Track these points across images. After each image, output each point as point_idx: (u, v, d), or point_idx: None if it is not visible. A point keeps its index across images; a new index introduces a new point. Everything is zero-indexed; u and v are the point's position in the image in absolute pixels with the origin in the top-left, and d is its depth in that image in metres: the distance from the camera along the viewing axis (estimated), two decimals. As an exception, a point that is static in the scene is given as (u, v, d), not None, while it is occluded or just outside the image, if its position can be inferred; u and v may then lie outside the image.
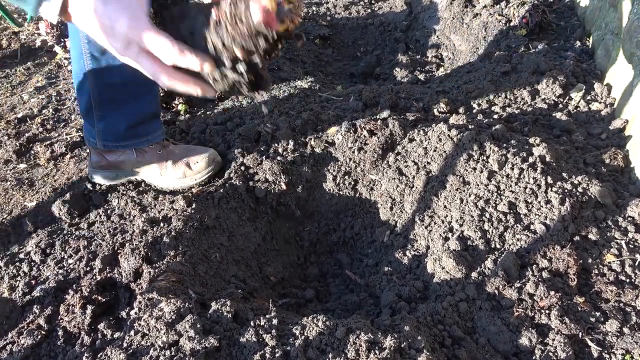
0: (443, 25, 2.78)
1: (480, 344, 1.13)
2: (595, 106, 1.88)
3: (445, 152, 1.60)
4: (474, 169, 1.52)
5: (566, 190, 1.39)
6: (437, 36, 2.78)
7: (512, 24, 2.41)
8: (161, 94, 2.05)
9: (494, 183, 1.47)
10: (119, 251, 1.40)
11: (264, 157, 1.73)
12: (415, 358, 1.02)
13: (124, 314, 1.25)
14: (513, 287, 1.21)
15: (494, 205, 1.41)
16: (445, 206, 1.50)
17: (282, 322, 1.12)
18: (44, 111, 2.22)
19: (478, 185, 1.48)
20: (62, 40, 2.68)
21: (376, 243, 1.63)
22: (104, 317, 1.25)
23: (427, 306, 1.21)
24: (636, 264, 1.25)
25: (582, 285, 1.24)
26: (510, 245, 1.32)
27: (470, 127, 1.67)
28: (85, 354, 1.15)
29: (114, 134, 1.61)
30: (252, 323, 1.10)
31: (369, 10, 3.25)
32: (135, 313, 1.20)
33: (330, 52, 2.89)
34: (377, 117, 1.85)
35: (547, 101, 1.96)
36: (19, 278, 1.39)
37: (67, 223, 1.58)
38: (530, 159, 1.48)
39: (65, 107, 2.24)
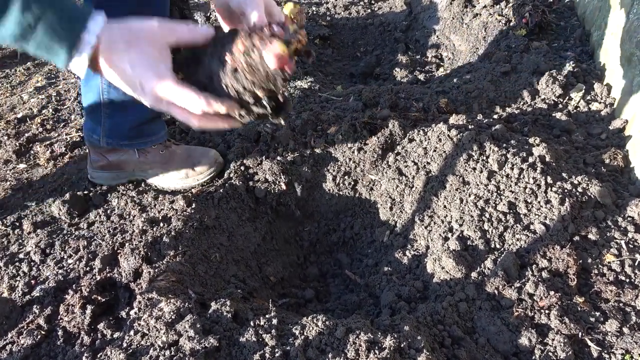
0: (443, 25, 2.78)
1: (480, 343, 1.14)
2: (595, 106, 1.88)
3: (445, 152, 1.60)
4: (474, 169, 1.52)
5: (566, 190, 1.39)
6: (437, 36, 2.78)
7: (511, 24, 2.41)
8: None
9: (493, 183, 1.47)
10: (118, 251, 1.40)
11: (263, 157, 1.74)
12: (415, 358, 1.02)
13: (123, 313, 1.25)
14: (513, 287, 1.21)
15: (493, 205, 1.41)
16: (445, 206, 1.50)
17: (282, 322, 1.12)
18: (43, 111, 2.22)
19: (478, 185, 1.48)
20: (62, 40, 2.68)
21: (376, 243, 1.63)
22: (103, 317, 1.25)
23: (427, 306, 1.21)
24: (636, 263, 1.25)
25: (581, 285, 1.24)
26: (510, 245, 1.32)
27: (470, 127, 1.67)
28: (85, 354, 1.15)
29: (119, 133, 1.61)
30: (251, 323, 1.10)
31: (369, 11, 3.25)
32: (135, 313, 1.20)
33: (330, 52, 2.89)
34: (377, 117, 1.85)
35: (547, 101, 1.96)
36: (18, 278, 1.39)
37: (67, 223, 1.58)
38: (530, 159, 1.48)
39: (65, 107, 2.24)
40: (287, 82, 0.89)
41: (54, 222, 1.59)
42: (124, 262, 1.35)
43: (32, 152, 1.96)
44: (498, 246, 1.33)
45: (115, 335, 1.20)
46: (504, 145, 1.56)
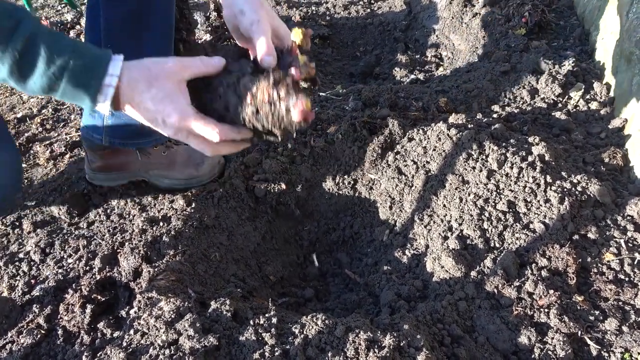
0: (442, 24, 2.79)
1: (479, 342, 1.14)
2: (594, 105, 1.88)
3: (444, 151, 1.61)
4: (473, 168, 1.52)
5: (565, 189, 1.39)
6: (437, 36, 2.78)
7: (511, 23, 2.41)
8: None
9: (493, 182, 1.47)
10: (118, 250, 1.40)
11: (263, 157, 1.74)
12: (415, 356, 1.02)
13: (123, 313, 1.25)
14: (512, 286, 1.21)
15: (493, 204, 1.42)
16: (444, 205, 1.50)
17: (282, 321, 1.12)
18: (43, 111, 2.22)
19: (477, 184, 1.48)
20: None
21: (375, 242, 1.63)
22: (103, 316, 1.25)
23: (427, 305, 1.21)
24: (635, 262, 1.25)
25: (581, 284, 1.24)
26: (509, 244, 1.32)
27: (469, 126, 1.67)
28: (85, 353, 1.16)
29: (122, 131, 1.60)
30: (251, 322, 1.10)
31: (369, 10, 3.25)
32: (135, 312, 1.20)
33: (330, 52, 2.89)
34: (377, 116, 1.85)
35: (546, 100, 1.96)
36: (18, 277, 1.39)
37: (67, 222, 1.58)
38: (530, 158, 1.48)
39: (65, 107, 2.24)
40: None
41: (54, 221, 1.59)
42: (124, 262, 1.35)
43: (31, 151, 1.96)
44: (497, 245, 1.33)
45: (115, 335, 1.20)
46: (504, 144, 1.56)
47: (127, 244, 1.40)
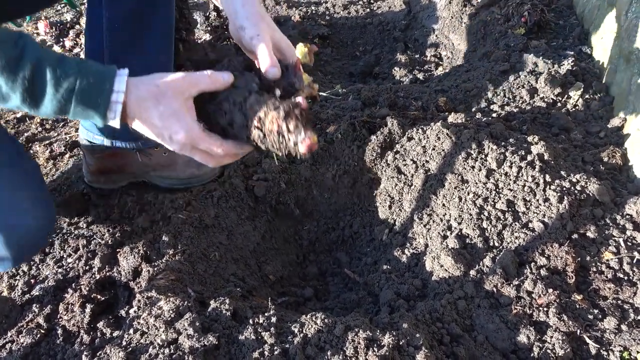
0: (442, 24, 2.79)
1: (478, 341, 1.14)
2: (593, 104, 1.89)
3: (443, 150, 1.61)
4: (473, 167, 1.52)
5: (564, 189, 1.39)
6: (436, 35, 2.79)
7: (510, 23, 2.42)
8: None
9: (492, 181, 1.47)
10: (118, 250, 1.40)
11: (263, 156, 1.74)
12: (414, 355, 1.02)
13: (123, 312, 1.25)
14: (511, 285, 1.21)
15: (492, 203, 1.42)
16: (443, 204, 1.50)
17: (281, 320, 1.12)
18: (43, 111, 2.22)
19: (476, 183, 1.48)
20: (61, 39, 2.68)
21: (375, 241, 1.63)
22: (103, 316, 1.25)
23: (426, 304, 1.21)
24: (634, 261, 1.26)
25: (580, 283, 1.24)
26: (508, 243, 1.32)
27: (468, 125, 1.67)
28: (85, 353, 1.16)
29: (125, 131, 1.59)
30: (250, 321, 1.11)
31: (368, 10, 3.25)
32: (135, 311, 1.20)
33: (329, 52, 2.89)
34: (376, 116, 1.85)
35: (545, 100, 1.96)
36: (18, 277, 1.40)
37: (66, 222, 1.58)
38: (529, 157, 1.48)
39: (65, 106, 2.24)
40: None
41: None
42: (124, 261, 1.35)
43: (31, 151, 1.96)
44: (497, 244, 1.34)
45: (114, 334, 1.20)
46: (503, 143, 1.56)
47: (126, 243, 1.40)
